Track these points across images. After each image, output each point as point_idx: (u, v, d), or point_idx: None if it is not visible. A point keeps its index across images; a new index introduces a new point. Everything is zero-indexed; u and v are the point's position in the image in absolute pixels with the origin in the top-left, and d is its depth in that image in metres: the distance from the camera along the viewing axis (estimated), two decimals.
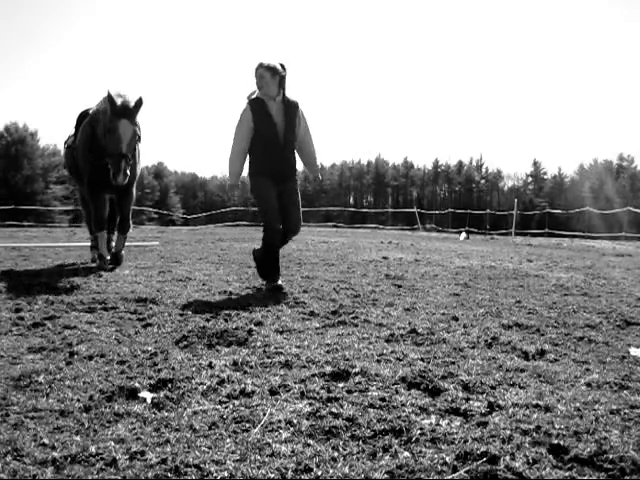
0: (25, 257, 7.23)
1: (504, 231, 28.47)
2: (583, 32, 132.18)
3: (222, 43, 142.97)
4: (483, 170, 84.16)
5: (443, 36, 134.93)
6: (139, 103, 5.49)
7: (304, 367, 2.47)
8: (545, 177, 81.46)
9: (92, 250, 6.90)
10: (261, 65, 4.76)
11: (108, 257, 6.63)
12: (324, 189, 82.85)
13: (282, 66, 4.85)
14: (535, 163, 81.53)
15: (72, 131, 6.80)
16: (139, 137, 5.75)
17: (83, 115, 6.46)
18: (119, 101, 5.38)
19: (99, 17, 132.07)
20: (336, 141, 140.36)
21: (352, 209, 57.62)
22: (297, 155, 5.05)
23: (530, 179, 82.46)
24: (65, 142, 6.93)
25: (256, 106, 4.79)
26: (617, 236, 28.44)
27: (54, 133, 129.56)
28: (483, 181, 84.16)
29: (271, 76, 4.76)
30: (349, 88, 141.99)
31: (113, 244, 6.94)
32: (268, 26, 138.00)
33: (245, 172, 5.05)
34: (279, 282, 4.83)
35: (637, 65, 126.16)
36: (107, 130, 5.38)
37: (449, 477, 1.51)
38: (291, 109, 4.88)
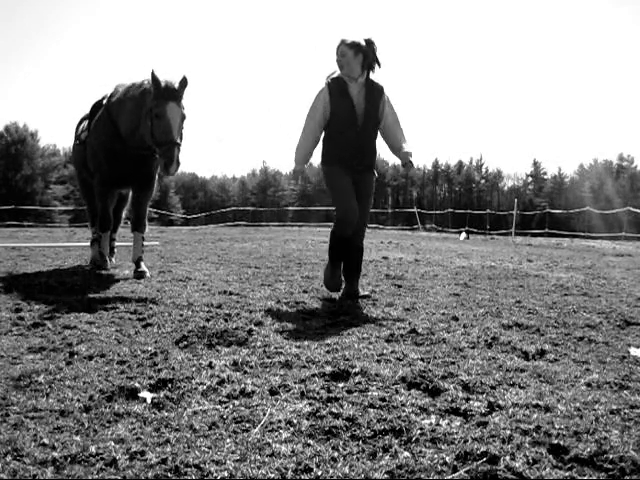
0: (25, 257, 7.23)
1: (504, 231, 28.48)
2: (583, 32, 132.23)
3: (222, 43, 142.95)
4: (483, 170, 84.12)
5: (443, 36, 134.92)
6: (184, 82, 4.86)
7: (304, 367, 2.47)
8: (545, 177, 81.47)
9: (92, 246, 6.48)
10: (343, 42, 4.22)
11: (113, 260, 6.47)
12: (324, 189, 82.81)
13: (369, 43, 4.25)
14: (535, 163, 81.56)
15: (82, 125, 6.25)
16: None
17: (97, 106, 5.88)
18: (163, 82, 4.78)
19: (99, 17, 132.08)
20: None
21: None
22: (385, 143, 4.49)
23: (530, 179, 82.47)
24: (77, 137, 6.25)
25: (335, 86, 4.26)
26: (617, 236, 28.45)
27: (54, 133, 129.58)
28: (483, 181, 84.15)
29: (354, 54, 4.20)
30: None
31: (115, 244, 6.74)
32: (267, 25, 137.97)
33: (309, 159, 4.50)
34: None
35: (637, 65, 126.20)
36: (154, 115, 4.77)
37: (449, 477, 1.51)
38: (375, 93, 4.31)
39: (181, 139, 4.86)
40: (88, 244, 8.01)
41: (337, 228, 4.32)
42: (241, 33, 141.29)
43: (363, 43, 4.22)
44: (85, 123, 6.12)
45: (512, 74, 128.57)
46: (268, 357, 2.62)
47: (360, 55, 4.21)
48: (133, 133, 5.15)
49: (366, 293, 4.52)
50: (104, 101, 5.70)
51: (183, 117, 4.89)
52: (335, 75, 4.31)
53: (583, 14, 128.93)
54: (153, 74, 4.73)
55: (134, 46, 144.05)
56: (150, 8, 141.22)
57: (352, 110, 4.22)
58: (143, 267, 5.44)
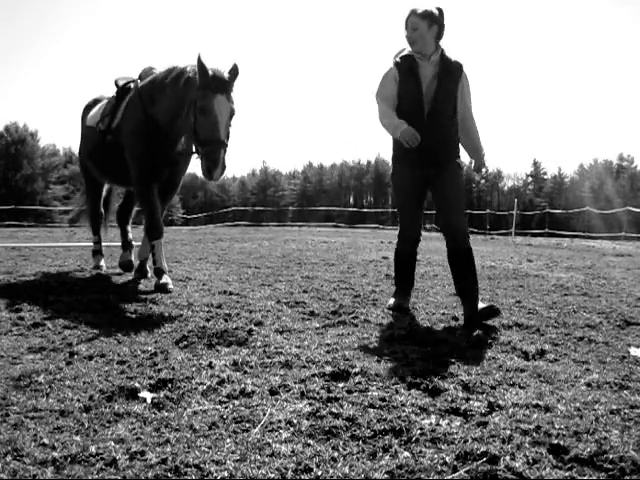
0: (25, 257, 7.23)
1: (504, 231, 28.46)
2: (584, 32, 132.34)
3: (222, 42, 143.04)
4: (483, 170, 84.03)
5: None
6: (235, 72, 4.15)
7: (304, 367, 2.47)
8: (545, 177, 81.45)
9: (95, 257, 5.99)
10: (413, 12, 3.56)
11: (133, 257, 5.66)
12: (324, 189, 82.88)
13: (440, 12, 3.60)
14: (535, 163, 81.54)
15: (96, 110, 5.47)
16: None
17: (125, 89, 5.06)
18: (211, 70, 4.05)
19: (99, 17, 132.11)
20: (336, 141, 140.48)
21: (352, 209, 57.66)
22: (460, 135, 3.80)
23: (530, 179, 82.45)
24: (97, 123, 5.24)
25: (404, 65, 3.59)
26: (617, 236, 28.45)
27: (54, 133, 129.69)
28: (483, 181, 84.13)
29: (428, 26, 3.54)
30: (349, 88, 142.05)
31: (131, 236, 5.93)
32: (266, 25, 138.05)
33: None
34: (406, 303, 3.89)
35: (637, 65, 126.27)
36: (199, 109, 4.04)
37: (449, 477, 1.51)
38: (451, 72, 3.62)
39: (228, 138, 4.14)
40: (87, 244, 7.96)
41: (398, 240, 4.05)
42: (241, 33, 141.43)
43: (436, 12, 3.58)
44: (100, 107, 5.39)
45: (512, 74, 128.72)
46: (268, 357, 2.62)
47: (435, 27, 3.57)
48: (172, 124, 4.49)
49: (490, 323, 3.45)
50: (132, 84, 5.01)
51: (232, 113, 4.17)
52: (405, 53, 3.66)
53: (583, 14, 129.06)
54: (200, 60, 3.99)
55: (134, 45, 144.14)
56: (149, 8, 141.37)
57: (419, 94, 3.55)
58: (168, 281, 4.66)
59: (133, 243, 5.87)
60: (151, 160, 4.68)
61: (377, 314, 3.71)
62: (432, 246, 12.56)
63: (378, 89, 3.68)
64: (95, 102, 5.75)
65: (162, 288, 4.49)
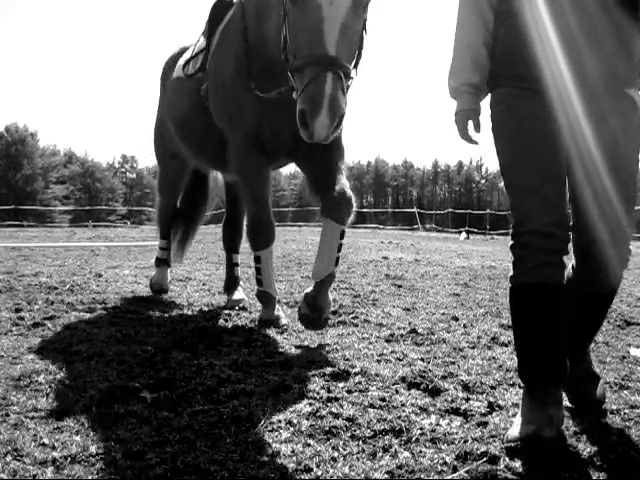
0: (25, 257, 7.23)
1: (504, 231, 28.41)
2: None
3: None
4: (483, 170, 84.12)
5: (443, 35, 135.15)
6: None
7: (304, 367, 2.47)
8: None
9: (158, 267, 4.41)
10: None
11: (244, 296, 4.00)
12: None
13: None
14: None
15: (191, 50, 3.61)
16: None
17: (219, 10, 3.25)
18: None
19: (98, 17, 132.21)
20: None
21: None
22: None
23: None
24: (185, 66, 3.47)
25: None
26: None
27: (54, 133, 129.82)
28: (483, 181, 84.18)
29: None
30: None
31: (239, 271, 4.26)
32: None
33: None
34: (556, 415, 1.68)
35: None
36: (288, 2, 2.28)
37: (449, 477, 1.51)
38: None
39: (354, 58, 2.34)
40: (87, 244, 7.94)
41: (516, 267, 2.10)
42: None
43: None
44: (192, 48, 3.61)
45: None
46: (268, 357, 2.62)
47: None
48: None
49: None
50: None
51: (363, 8, 2.29)
52: None
53: None
54: None
55: (133, 45, 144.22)
56: (147, 6, 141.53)
57: None
58: (323, 301, 2.87)
59: (240, 282, 4.17)
60: (261, 117, 2.91)
61: (377, 314, 3.71)
62: (432, 246, 12.56)
63: None
64: (183, 51, 3.97)
65: (271, 323, 3.15)
